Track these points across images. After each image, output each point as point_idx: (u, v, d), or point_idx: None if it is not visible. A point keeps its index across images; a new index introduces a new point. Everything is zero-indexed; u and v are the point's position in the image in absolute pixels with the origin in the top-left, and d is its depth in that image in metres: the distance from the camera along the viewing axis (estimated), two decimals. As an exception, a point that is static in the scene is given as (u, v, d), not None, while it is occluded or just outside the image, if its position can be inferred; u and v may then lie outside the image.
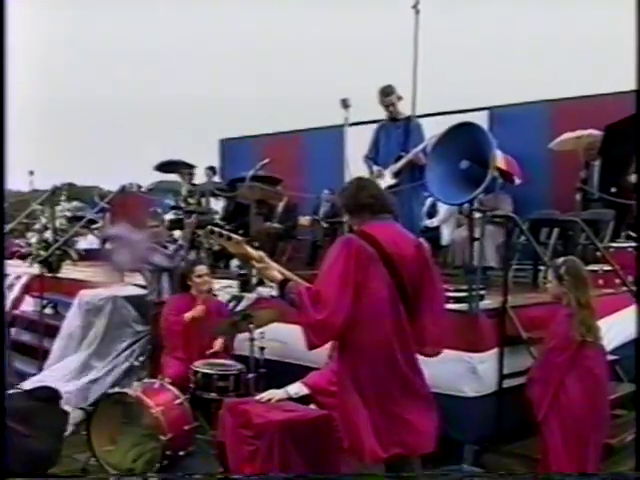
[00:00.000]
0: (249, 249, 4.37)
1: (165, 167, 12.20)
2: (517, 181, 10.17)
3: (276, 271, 4.30)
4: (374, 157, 8.29)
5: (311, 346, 4.13)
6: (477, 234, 6.51)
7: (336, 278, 4.04)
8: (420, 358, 4.40)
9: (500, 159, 8.85)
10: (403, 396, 4.20)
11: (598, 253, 8.17)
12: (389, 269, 4.15)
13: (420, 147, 7.79)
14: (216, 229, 4.49)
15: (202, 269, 7.31)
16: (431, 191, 6.94)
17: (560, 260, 5.62)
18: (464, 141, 6.21)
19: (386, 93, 8.08)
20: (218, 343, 6.88)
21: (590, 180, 9.97)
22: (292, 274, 4.41)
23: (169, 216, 10.64)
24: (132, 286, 8.62)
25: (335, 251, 4.17)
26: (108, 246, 8.96)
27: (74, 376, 7.70)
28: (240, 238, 4.42)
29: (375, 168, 8.10)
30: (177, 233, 9.89)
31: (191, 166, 12.06)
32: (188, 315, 6.88)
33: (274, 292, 6.86)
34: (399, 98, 8.16)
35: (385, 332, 4.12)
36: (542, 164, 10.77)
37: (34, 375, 8.57)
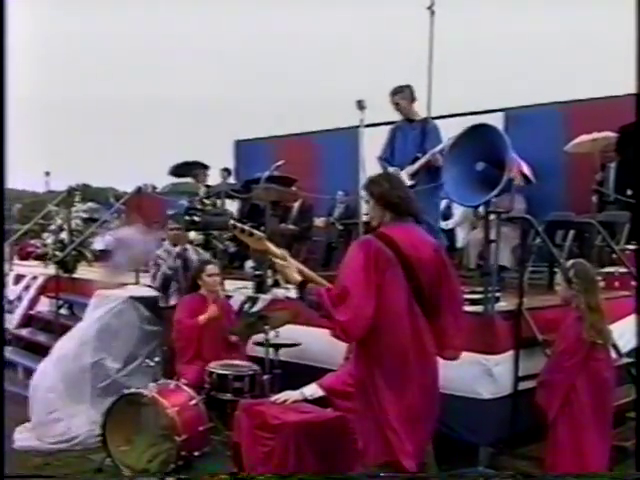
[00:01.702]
0: (272, 247, 4.37)
1: (179, 169, 12.23)
2: (533, 179, 10.11)
3: (296, 272, 4.28)
4: (388, 158, 8.25)
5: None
6: (492, 236, 6.49)
7: (357, 279, 4.01)
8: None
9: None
10: (418, 400, 4.18)
11: (614, 255, 8.15)
12: (407, 272, 4.13)
13: (438, 148, 7.74)
14: (238, 224, 4.49)
15: (212, 268, 7.33)
16: (447, 192, 6.93)
17: (569, 263, 5.59)
18: (480, 143, 6.20)
19: (391, 93, 8.04)
20: (233, 338, 6.92)
21: (606, 182, 9.93)
22: (313, 273, 4.42)
23: (185, 217, 10.66)
24: (147, 287, 8.63)
25: (354, 252, 4.14)
26: (110, 247, 9.02)
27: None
28: (261, 234, 4.42)
29: (391, 169, 8.04)
30: (192, 234, 9.90)
31: (205, 167, 12.08)
32: (203, 318, 6.90)
33: (289, 293, 6.91)
34: (413, 100, 8.12)
35: (401, 335, 4.11)
36: (558, 165, 10.72)
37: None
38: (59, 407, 7.28)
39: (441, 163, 7.43)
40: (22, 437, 7.09)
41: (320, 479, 4.91)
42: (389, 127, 8.45)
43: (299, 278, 4.23)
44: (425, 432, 4.26)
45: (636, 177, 8.98)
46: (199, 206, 10.42)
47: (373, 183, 4.50)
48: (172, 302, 7.84)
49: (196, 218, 10.05)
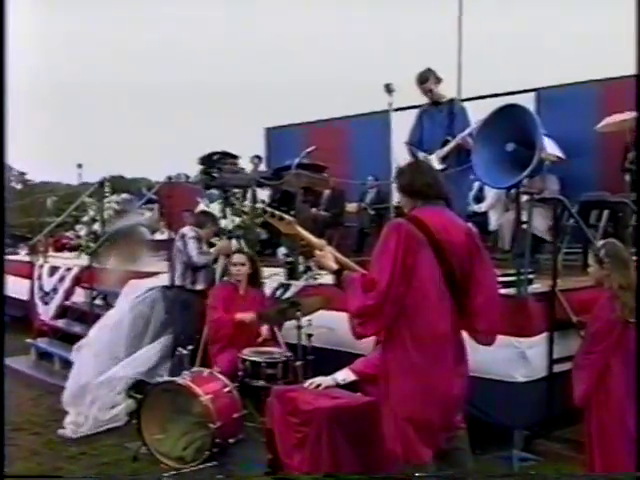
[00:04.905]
0: (304, 232, 4.41)
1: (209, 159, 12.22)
2: (563, 156, 9.95)
3: (332, 260, 4.31)
4: (416, 142, 8.15)
5: (360, 335, 4.12)
6: (525, 217, 6.43)
7: (386, 264, 4.02)
8: (470, 343, 4.36)
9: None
10: (446, 382, 4.15)
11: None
12: (438, 255, 4.11)
13: (468, 130, 7.65)
14: (268, 209, 4.52)
15: (237, 257, 7.34)
16: (478, 175, 6.87)
17: (600, 243, 5.51)
18: (510, 123, 6.14)
19: (422, 80, 7.89)
20: (264, 330, 6.93)
21: (635, 162, 9.77)
22: (349, 261, 4.42)
23: (215, 205, 10.68)
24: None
25: (385, 236, 4.14)
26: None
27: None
28: (291, 219, 4.45)
29: (421, 154, 7.96)
30: (223, 222, 9.91)
31: (235, 157, 12.05)
32: (238, 317, 6.92)
33: (321, 279, 6.90)
34: (438, 80, 8.00)
35: (432, 318, 4.08)
36: (591, 145, 10.57)
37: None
38: (96, 395, 7.33)
39: (471, 145, 7.35)
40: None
41: (361, 479, 4.90)
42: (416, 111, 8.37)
43: (335, 266, 4.26)
44: (453, 414, 4.25)
45: (637, 172, 8.87)
46: (217, 165, 10.42)
47: (399, 174, 4.57)
48: (199, 287, 7.88)
49: (215, 174, 10.04)
